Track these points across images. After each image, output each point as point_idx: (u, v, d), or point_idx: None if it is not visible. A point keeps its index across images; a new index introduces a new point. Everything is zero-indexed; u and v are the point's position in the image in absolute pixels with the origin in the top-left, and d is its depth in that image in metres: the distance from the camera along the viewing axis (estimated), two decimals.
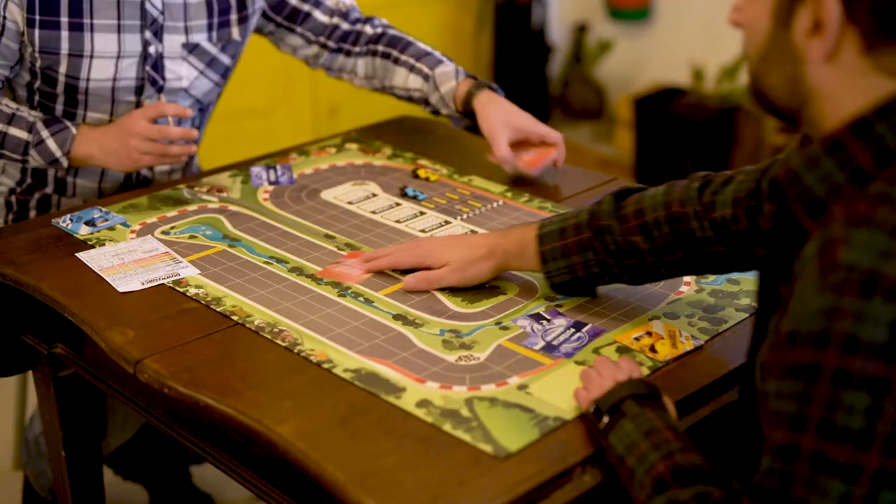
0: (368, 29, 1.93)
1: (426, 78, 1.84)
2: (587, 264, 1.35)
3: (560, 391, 1.21)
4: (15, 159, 1.72)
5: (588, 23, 4.38)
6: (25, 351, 1.58)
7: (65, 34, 1.70)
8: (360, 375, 1.24)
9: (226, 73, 1.88)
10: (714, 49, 3.94)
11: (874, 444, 0.84)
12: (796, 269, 0.92)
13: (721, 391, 1.27)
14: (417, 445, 1.11)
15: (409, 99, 1.91)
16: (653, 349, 1.29)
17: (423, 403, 1.18)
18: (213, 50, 1.82)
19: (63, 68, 1.72)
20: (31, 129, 1.70)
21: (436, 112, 1.89)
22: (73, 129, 1.71)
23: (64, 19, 1.69)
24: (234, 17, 1.82)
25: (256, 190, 1.77)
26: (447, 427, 1.14)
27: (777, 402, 0.90)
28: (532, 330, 1.34)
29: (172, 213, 1.67)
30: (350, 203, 1.73)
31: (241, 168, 1.86)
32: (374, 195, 1.76)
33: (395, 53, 1.88)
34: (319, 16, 1.92)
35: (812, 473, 0.86)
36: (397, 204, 1.73)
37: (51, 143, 1.69)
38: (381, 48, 1.89)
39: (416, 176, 1.84)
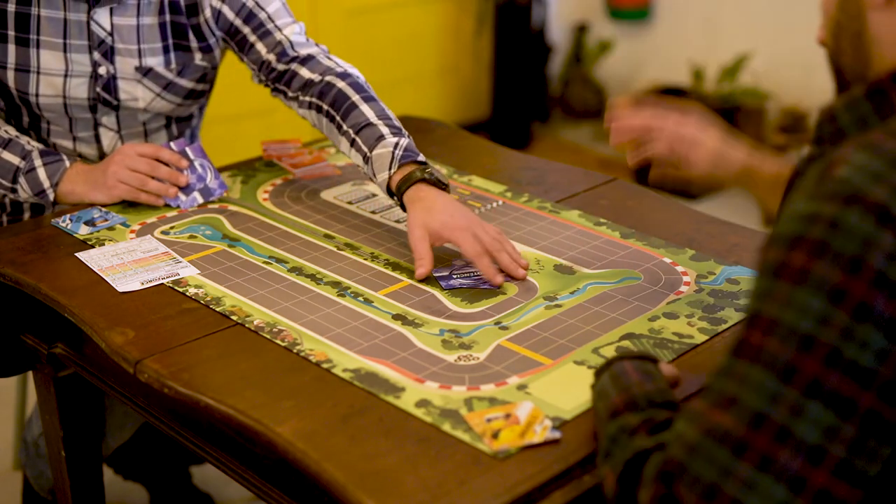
0: (305, 72, 1.73)
1: (365, 159, 1.60)
2: None
3: (559, 391, 1.21)
4: (3, 187, 1.69)
5: (588, 23, 4.38)
6: (25, 351, 1.59)
7: (11, 48, 1.69)
8: (360, 375, 1.24)
9: (189, 94, 1.82)
10: (714, 49, 3.94)
11: (816, 346, 0.83)
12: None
13: None
14: (417, 445, 1.11)
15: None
16: (496, 435, 1.13)
17: (423, 403, 1.19)
18: (168, 75, 1.77)
19: (11, 83, 1.71)
20: (25, 156, 1.67)
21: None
22: (67, 163, 1.69)
23: (11, 32, 1.68)
24: (194, 44, 1.78)
25: (256, 190, 1.77)
26: (447, 427, 1.14)
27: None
28: (451, 275, 1.47)
29: (172, 212, 1.67)
30: (350, 203, 1.73)
31: (242, 168, 1.86)
32: (374, 195, 1.76)
33: (338, 119, 1.65)
34: (261, 48, 1.77)
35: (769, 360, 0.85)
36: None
37: (41, 173, 1.67)
38: (325, 107, 1.68)
39: None
